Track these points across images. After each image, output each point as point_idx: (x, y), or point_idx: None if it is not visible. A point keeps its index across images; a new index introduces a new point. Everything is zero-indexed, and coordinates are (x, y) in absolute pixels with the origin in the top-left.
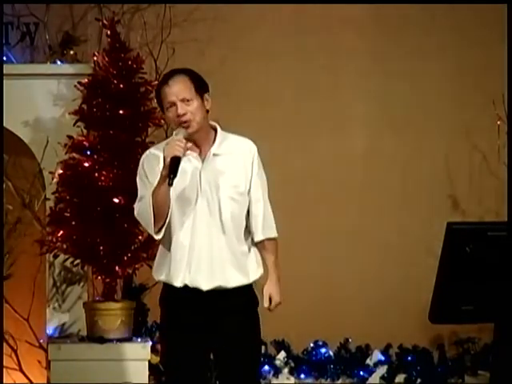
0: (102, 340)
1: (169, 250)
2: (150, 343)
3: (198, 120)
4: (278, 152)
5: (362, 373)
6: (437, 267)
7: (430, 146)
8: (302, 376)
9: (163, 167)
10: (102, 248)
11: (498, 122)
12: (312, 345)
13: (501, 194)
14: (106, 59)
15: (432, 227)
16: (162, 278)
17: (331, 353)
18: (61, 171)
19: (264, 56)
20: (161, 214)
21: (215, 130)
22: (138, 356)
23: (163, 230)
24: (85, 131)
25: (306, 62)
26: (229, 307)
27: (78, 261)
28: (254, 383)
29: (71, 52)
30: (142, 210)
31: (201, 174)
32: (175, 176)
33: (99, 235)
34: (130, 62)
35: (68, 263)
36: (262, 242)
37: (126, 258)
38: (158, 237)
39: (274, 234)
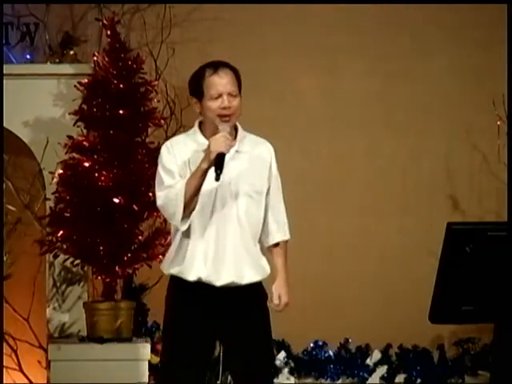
0: (102, 340)
1: (184, 243)
2: (150, 343)
3: (237, 116)
4: (278, 152)
5: (361, 373)
6: (437, 267)
7: (430, 146)
8: (302, 376)
9: (205, 160)
10: (101, 248)
11: (498, 122)
12: (312, 345)
13: (501, 194)
14: (106, 59)
15: (432, 227)
16: (174, 271)
17: (331, 353)
18: (61, 171)
19: (264, 56)
20: (191, 204)
21: (235, 128)
22: (138, 356)
23: (188, 221)
24: (85, 131)
25: (306, 62)
26: (240, 304)
27: (78, 261)
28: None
29: (71, 52)
30: (171, 198)
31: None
32: (221, 172)
33: (99, 235)
34: (129, 62)
35: (68, 263)
36: (278, 243)
37: (126, 257)
38: (183, 227)
39: (287, 236)
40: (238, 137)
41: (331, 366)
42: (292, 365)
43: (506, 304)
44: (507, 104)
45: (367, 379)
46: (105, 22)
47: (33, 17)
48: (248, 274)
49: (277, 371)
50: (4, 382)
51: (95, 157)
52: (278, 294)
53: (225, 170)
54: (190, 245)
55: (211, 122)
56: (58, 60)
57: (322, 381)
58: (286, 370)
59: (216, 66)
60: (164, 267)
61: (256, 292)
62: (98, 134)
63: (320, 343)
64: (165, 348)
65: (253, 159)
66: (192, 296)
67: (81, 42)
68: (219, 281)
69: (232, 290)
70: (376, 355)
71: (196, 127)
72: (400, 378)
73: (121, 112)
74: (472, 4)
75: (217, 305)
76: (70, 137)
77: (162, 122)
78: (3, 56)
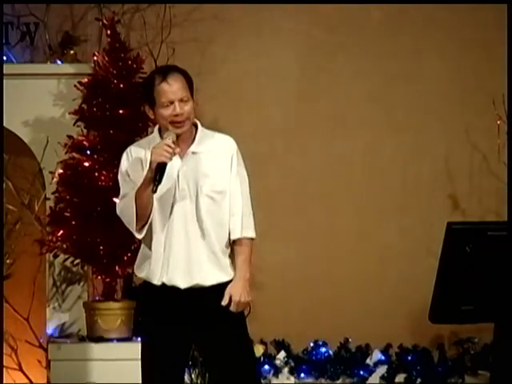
0: (102, 340)
1: (149, 248)
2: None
3: (191, 119)
4: (278, 152)
5: (362, 373)
6: (437, 267)
7: (430, 146)
8: (302, 376)
9: (148, 169)
10: (101, 248)
11: (498, 122)
12: (312, 345)
13: (501, 194)
14: (106, 59)
15: (432, 227)
16: (143, 275)
17: (331, 353)
18: (61, 171)
19: (264, 56)
20: (144, 214)
21: (196, 127)
22: (138, 356)
23: (145, 229)
24: (85, 131)
25: (306, 61)
26: (208, 306)
27: (77, 261)
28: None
29: (71, 52)
30: (125, 208)
31: (179, 172)
32: (160, 183)
33: (99, 235)
34: (129, 62)
35: (68, 263)
36: (238, 240)
37: (126, 257)
38: (139, 236)
39: (251, 234)
40: (197, 137)
41: (331, 365)
42: (292, 364)
43: (505, 304)
44: (507, 104)
45: (367, 379)
46: (105, 21)
47: (33, 16)
48: (213, 276)
49: (259, 376)
50: (4, 381)
51: (95, 157)
52: (228, 294)
53: (182, 174)
54: (153, 248)
55: (166, 128)
56: (58, 60)
57: (322, 381)
58: (285, 370)
59: (165, 72)
60: (135, 271)
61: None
62: (98, 133)
63: (320, 343)
64: (143, 361)
65: (212, 158)
66: (161, 298)
67: (81, 42)
68: (183, 284)
69: (200, 293)
70: (376, 355)
71: (156, 132)
72: (400, 377)
73: (121, 112)
74: (472, 4)
75: (183, 308)
76: (69, 137)
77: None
78: (3, 56)
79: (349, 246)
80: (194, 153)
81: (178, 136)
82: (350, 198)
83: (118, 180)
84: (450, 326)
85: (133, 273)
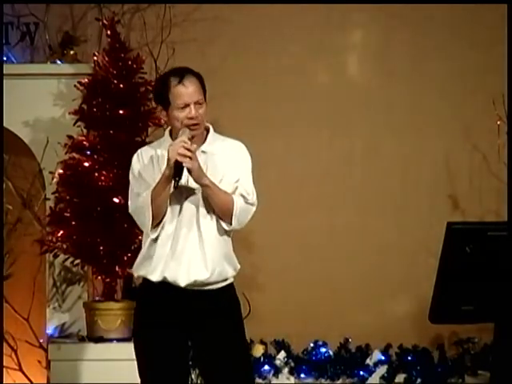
0: (102, 340)
1: (153, 245)
2: None
3: (204, 123)
4: (278, 152)
5: (362, 373)
6: (437, 267)
7: (430, 146)
8: (302, 376)
9: (167, 167)
10: (101, 248)
11: (498, 122)
12: (312, 345)
13: (501, 194)
14: (106, 59)
15: (432, 227)
16: (142, 272)
17: (331, 353)
18: (61, 171)
19: (264, 56)
20: (159, 212)
21: (207, 131)
22: None
23: (159, 228)
24: (85, 131)
25: (306, 61)
26: (207, 305)
27: (78, 261)
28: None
29: (71, 52)
30: (140, 207)
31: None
32: (180, 179)
33: (99, 235)
34: (130, 62)
35: (68, 263)
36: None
37: (126, 257)
38: (153, 235)
39: (251, 200)
40: (208, 139)
41: (331, 365)
42: (292, 365)
43: (505, 304)
44: (507, 104)
45: (367, 379)
46: (105, 21)
47: (33, 17)
48: (221, 272)
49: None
50: (4, 381)
51: (95, 157)
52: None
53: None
54: (159, 244)
55: (176, 130)
56: (58, 60)
57: (322, 381)
58: (285, 370)
59: (181, 74)
60: (134, 270)
61: (225, 295)
62: (98, 133)
63: (320, 343)
64: (136, 349)
65: (221, 159)
66: (159, 296)
67: (81, 42)
68: (184, 281)
69: (200, 292)
70: (376, 355)
71: (167, 135)
72: (400, 377)
73: (121, 112)
74: (472, 4)
75: (185, 308)
76: (70, 137)
77: (162, 121)
78: (3, 56)
79: (349, 246)
80: (204, 152)
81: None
82: (349, 198)
83: (117, 180)
84: (450, 326)
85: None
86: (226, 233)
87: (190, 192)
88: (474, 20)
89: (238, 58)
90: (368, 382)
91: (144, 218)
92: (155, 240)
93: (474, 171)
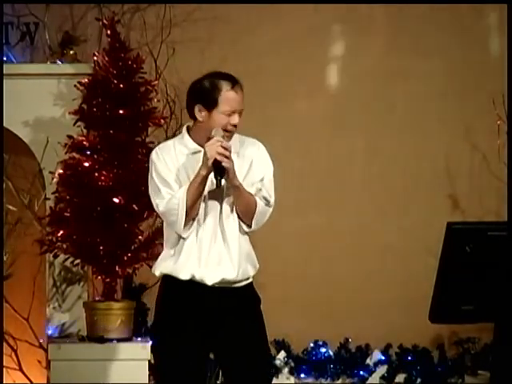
0: (102, 340)
1: (179, 244)
2: (150, 343)
3: None
4: (278, 152)
5: (361, 373)
6: (437, 267)
7: (430, 146)
8: (302, 376)
9: (203, 166)
10: (101, 248)
11: (498, 122)
12: (312, 345)
13: (501, 194)
14: (106, 59)
15: (432, 227)
16: (167, 271)
17: (331, 353)
18: (61, 171)
19: (264, 56)
20: (193, 211)
21: None
22: (138, 356)
23: (192, 227)
24: (85, 131)
25: (306, 62)
26: (233, 305)
27: (78, 261)
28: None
29: (71, 52)
30: (171, 208)
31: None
32: (222, 178)
33: (99, 235)
34: (130, 62)
35: (68, 263)
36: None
37: (126, 257)
38: (185, 234)
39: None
40: (232, 140)
41: (331, 365)
42: (292, 365)
43: (505, 304)
44: (507, 104)
45: (367, 379)
46: (105, 21)
47: (33, 16)
48: (244, 271)
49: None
50: (4, 382)
51: (95, 157)
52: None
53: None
54: (185, 245)
55: (206, 130)
56: (58, 60)
57: (322, 381)
58: (285, 370)
59: (233, 80)
60: (155, 269)
61: (247, 293)
62: (98, 133)
63: (320, 343)
64: (160, 350)
65: (245, 160)
66: (185, 295)
67: (81, 42)
68: (211, 280)
69: (226, 291)
70: (376, 355)
71: (185, 132)
72: (400, 377)
73: (121, 112)
74: (472, 4)
75: (208, 306)
76: (70, 137)
77: (162, 121)
78: (3, 56)
79: (349, 246)
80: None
81: None
82: (349, 198)
83: (117, 180)
84: (450, 326)
85: (133, 273)
86: (246, 232)
87: (214, 191)
88: (474, 20)
89: (238, 58)
90: (368, 381)
91: (176, 219)
92: (184, 238)
93: (474, 171)
